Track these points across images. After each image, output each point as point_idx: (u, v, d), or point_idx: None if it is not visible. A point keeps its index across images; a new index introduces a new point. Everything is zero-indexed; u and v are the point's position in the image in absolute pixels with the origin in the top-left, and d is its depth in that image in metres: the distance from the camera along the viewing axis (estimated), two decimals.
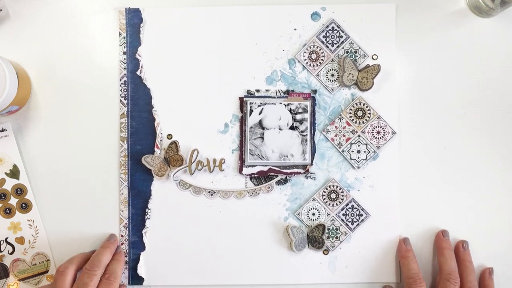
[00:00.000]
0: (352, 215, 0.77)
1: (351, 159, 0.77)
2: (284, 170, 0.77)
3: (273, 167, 0.77)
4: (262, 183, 0.78)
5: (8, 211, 0.77)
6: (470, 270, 0.74)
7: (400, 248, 0.77)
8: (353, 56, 0.77)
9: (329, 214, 0.77)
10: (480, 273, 0.77)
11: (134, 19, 0.77)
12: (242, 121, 0.77)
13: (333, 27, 0.77)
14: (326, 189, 0.77)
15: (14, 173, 0.77)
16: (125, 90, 0.77)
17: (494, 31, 0.78)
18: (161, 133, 0.77)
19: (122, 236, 0.77)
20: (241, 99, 0.77)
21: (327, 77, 0.77)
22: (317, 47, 0.77)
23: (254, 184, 0.78)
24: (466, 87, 0.78)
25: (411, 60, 0.78)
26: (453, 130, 0.78)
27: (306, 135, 0.77)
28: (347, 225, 0.77)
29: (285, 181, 0.78)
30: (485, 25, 0.78)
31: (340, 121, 0.77)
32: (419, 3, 0.78)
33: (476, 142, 0.78)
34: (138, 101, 0.77)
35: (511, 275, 0.78)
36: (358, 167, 0.77)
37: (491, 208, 0.78)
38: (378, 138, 0.77)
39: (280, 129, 0.77)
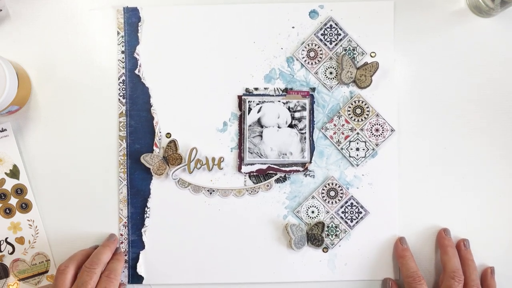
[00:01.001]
0: (351, 212, 0.77)
1: (350, 156, 0.77)
2: (283, 168, 0.77)
3: (272, 165, 0.77)
4: (261, 181, 0.77)
5: (8, 211, 0.77)
6: (472, 269, 0.74)
7: (397, 248, 0.76)
8: (351, 53, 0.77)
9: (328, 212, 0.77)
10: (481, 272, 0.77)
11: (132, 18, 0.77)
12: (241, 119, 0.77)
13: (331, 25, 0.77)
14: (325, 186, 0.77)
15: (14, 173, 0.77)
16: (123, 89, 0.77)
17: (494, 31, 0.78)
18: (160, 132, 0.77)
19: (121, 235, 0.77)
20: (239, 97, 0.77)
21: (325, 75, 0.77)
22: (315, 45, 0.77)
23: (253, 182, 0.77)
24: (466, 87, 0.78)
25: (410, 60, 0.78)
26: (453, 130, 0.78)
27: (305, 133, 0.77)
28: (346, 222, 0.77)
29: (284, 179, 0.77)
30: (485, 25, 0.78)
31: (339, 118, 0.77)
32: (419, 3, 0.78)
33: (476, 142, 0.78)
34: (136, 100, 0.77)
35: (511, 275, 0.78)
36: (357, 165, 0.77)
37: (491, 208, 0.78)
38: (376, 136, 0.77)
39: (278, 127, 0.77)
